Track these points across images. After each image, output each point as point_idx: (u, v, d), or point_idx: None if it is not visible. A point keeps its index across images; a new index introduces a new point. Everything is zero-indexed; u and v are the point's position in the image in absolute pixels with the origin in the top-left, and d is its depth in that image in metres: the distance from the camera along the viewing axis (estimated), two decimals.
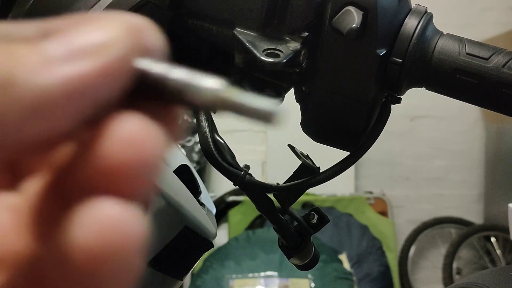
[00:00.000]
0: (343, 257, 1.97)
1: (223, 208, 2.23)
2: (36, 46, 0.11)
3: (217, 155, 0.29)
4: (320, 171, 0.31)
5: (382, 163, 2.45)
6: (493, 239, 2.30)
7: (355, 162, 0.31)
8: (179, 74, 0.12)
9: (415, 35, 0.28)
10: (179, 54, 0.32)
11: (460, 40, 0.29)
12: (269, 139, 2.33)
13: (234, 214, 2.21)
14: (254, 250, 1.89)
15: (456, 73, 0.28)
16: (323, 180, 0.31)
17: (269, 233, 1.94)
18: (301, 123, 0.32)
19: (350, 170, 2.24)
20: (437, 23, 0.30)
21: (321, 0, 0.28)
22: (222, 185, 2.26)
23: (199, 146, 1.93)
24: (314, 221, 0.33)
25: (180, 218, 0.34)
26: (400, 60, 0.28)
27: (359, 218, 2.21)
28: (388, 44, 0.28)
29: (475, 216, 2.47)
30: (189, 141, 2.17)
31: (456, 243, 2.27)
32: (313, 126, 0.32)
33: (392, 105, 0.31)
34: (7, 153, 0.11)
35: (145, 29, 0.13)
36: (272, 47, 0.28)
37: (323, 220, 0.33)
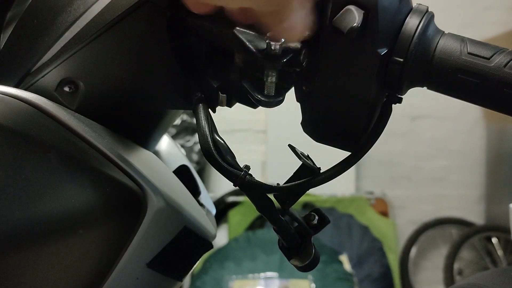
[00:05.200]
0: (343, 258, 1.97)
1: (223, 208, 2.23)
2: None
3: (217, 156, 0.29)
4: (321, 171, 0.31)
5: (383, 164, 2.45)
6: (494, 240, 2.30)
7: (356, 162, 0.31)
8: None
9: (416, 34, 0.28)
10: (178, 54, 0.32)
11: (462, 39, 0.29)
12: (269, 139, 2.33)
13: (234, 215, 2.21)
14: (254, 251, 1.89)
15: (457, 72, 0.28)
16: (323, 181, 0.31)
17: (269, 234, 1.94)
18: (301, 123, 0.32)
19: (351, 171, 2.24)
20: (438, 22, 0.30)
21: None
22: (222, 185, 2.26)
23: (198, 146, 1.93)
24: (315, 222, 0.33)
25: (179, 219, 0.34)
26: (401, 60, 0.28)
27: (359, 219, 2.21)
28: (389, 43, 0.28)
29: (477, 216, 2.47)
30: (188, 141, 2.17)
31: (457, 244, 2.27)
32: (313, 126, 0.32)
33: (393, 104, 0.31)
34: None
35: None
36: None
37: (323, 221, 0.33)
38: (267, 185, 0.30)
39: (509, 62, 0.27)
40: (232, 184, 0.30)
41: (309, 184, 0.31)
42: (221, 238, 2.16)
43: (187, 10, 0.30)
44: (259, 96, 0.30)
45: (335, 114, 0.30)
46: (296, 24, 0.23)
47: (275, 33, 0.25)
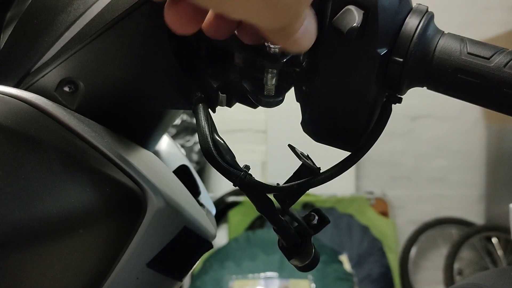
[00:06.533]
0: (343, 257, 1.97)
1: (223, 208, 2.23)
2: None
3: (217, 156, 0.29)
4: (321, 171, 0.31)
5: (383, 164, 2.45)
6: (494, 240, 2.30)
7: (356, 162, 0.31)
8: None
9: (416, 34, 0.28)
10: (178, 54, 0.32)
11: (461, 39, 0.29)
12: (269, 139, 2.33)
13: (234, 215, 2.21)
14: (254, 250, 1.89)
15: (457, 72, 0.28)
16: (323, 181, 0.31)
17: (269, 233, 1.94)
18: (301, 123, 0.32)
19: (351, 171, 2.24)
20: (438, 22, 0.30)
21: None
22: (221, 185, 2.26)
23: (198, 146, 1.93)
24: (315, 222, 0.33)
25: (179, 219, 0.34)
26: (401, 60, 0.28)
27: (359, 219, 2.21)
28: (389, 43, 0.28)
29: (477, 216, 2.47)
30: (188, 141, 2.17)
31: (457, 244, 2.27)
32: (313, 126, 0.32)
33: (393, 104, 0.31)
34: None
35: None
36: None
37: (323, 221, 0.33)
38: (267, 185, 0.30)
39: (509, 62, 0.27)
40: (232, 184, 0.30)
41: (309, 184, 0.31)
42: (221, 238, 2.16)
43: None
44: (259, 96, 0.30)
45: (335, 114, 0.30)
46: (303, 36, 0.23)
47: (282, 48, 0.26)
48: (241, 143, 2.34)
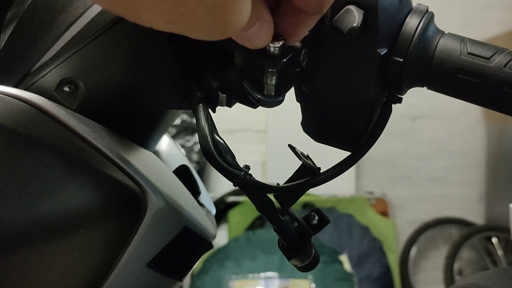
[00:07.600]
0: (343, 258, 1.97)
1: (223, 208, 2.23)
2: None
3: (217, 155, 0.29)
4: (321, 171, 0.31)
5: (383, 164, 2.45)
6: (494, 240, 2.30)
7: (356, 162, 0.31)
8: None
9: (416, 34, 0.28)
10: (178, 54, 0.32)
11: (462, 39, 0.29)
12: (269, 139, 2.33)
13: (234, 215, 2.21)
14: (254, 250, 1.89)
15: (457, 72, 0.28)
16: (323, 181, 0.31)
17: (269, 233, 1.94)
18: (301, 123, 0.32)
19: (351, 171, 2.24)
20: (438, 22, 0.30)
21: None
22: (222, 185, 2.26)
23: (198, 146, 1.93)
24: (315, 222, 0.33)
25: (179, 219, 0.34)
26: (401, 60, 0.28)
27: (359, 219, 2.21)
28: (389, 43, 0.28)
29: (477, 216, 2.47)
30: (188, 141, 2.17)
31: (457, 244, 2.27)
32: (313, 126, 0.32)
33: (393, 104, 0.31)
34: None
35: None
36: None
37: (323, 221, 0.33)
38: (267, 185, 0.30)
39: (509, 62, 0.27)
40: (232, 184, 0.30)
41: (309, 184, 0.31)
42: (221, 238, 2.16)
43: None
44: (259, 96, 0.30)
45: (335, 114, 0.30)
46: (255, 33, 0.22)
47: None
48: (241, 143, 2.34)
